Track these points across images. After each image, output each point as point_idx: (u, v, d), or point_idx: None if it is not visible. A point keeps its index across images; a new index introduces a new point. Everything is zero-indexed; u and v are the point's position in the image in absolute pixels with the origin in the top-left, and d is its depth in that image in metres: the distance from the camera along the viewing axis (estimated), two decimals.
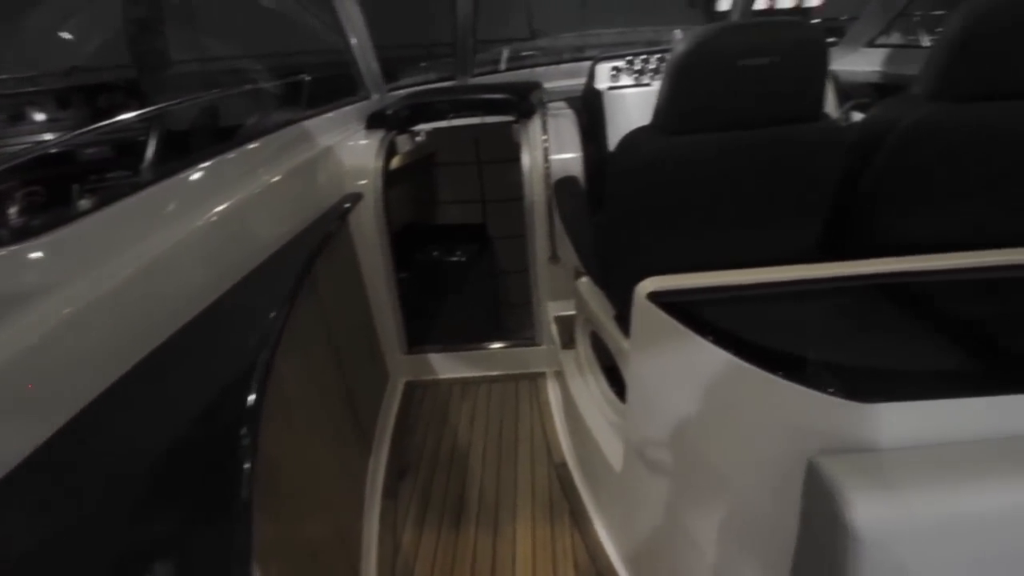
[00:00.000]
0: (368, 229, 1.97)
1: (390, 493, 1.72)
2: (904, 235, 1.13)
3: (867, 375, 0.81)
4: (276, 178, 1.47)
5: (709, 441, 0.97)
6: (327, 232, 1.59)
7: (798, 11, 8.33)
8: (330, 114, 2.10)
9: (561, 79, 2.60)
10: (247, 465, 0.69)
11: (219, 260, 1.15)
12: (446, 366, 2.29)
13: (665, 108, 1.04)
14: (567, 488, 1.69)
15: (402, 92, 2.49)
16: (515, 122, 2.10)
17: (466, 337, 2.32)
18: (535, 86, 2.31)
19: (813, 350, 0.86)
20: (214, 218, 1.18)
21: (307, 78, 2.85)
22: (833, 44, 2.46)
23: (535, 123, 2.06)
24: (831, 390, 0.74)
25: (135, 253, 0.97)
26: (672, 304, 0.99)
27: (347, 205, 1.84)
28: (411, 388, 2.23)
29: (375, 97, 2.38)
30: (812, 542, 0.74)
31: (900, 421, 0.72)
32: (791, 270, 1.02)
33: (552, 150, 1.98)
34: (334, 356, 1.55)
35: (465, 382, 2.25)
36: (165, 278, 1.00)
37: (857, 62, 2.25)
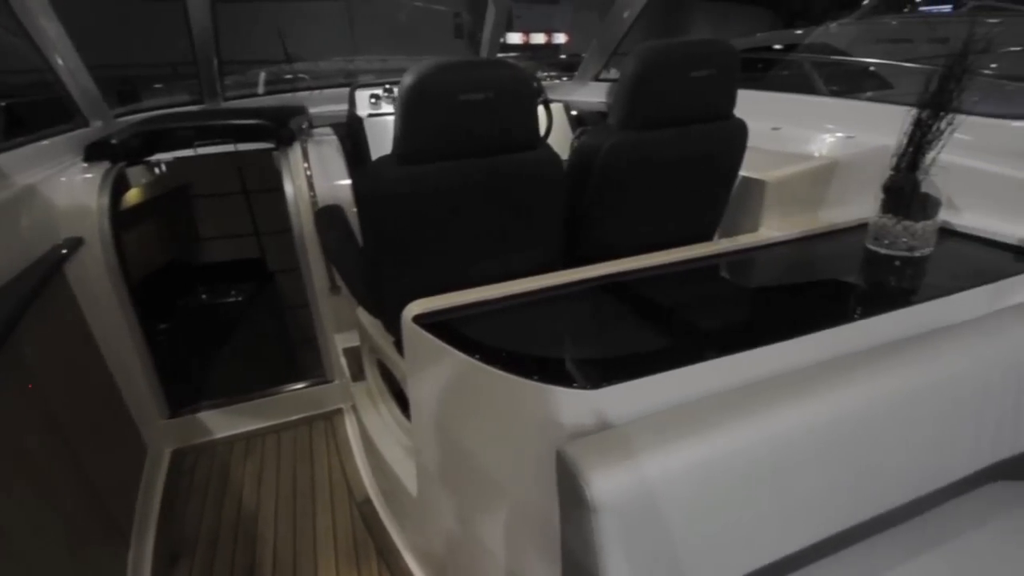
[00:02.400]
0: (97, 279, 1.66)
1: None
2: (622, 240, 1.35)
3: (597, 365, 0.93)
4: None
5: (481, 448, 1.02)
6: (33, 288, 1.30)
7: (549, 47, 9.47)
8: (39, 144, 1.73)
9: (327, 104, 2.52)
10: None
11: None
12: (224, 423, 2.03)
13: (400, 139, 1.09)
14: (372, 525, 1.62)
15: (137, 118, 2.16)
16: (275, 149, 1.98)
17: (248, 386, 2.09)
18: (298, 111, 2.20)
19: (552, 349, 0.97)
20: None
21: (2, 103, 2.32)
22: (571, 78, 2.82)
23: (296, 150, 1.97)
24: (568, 383, 0.83)
25: None
26: (435, 324, 1.02)
27: (63, 252, 1.53)
28: (179, 457, 1.93)
29: (96, 124, 2.02)
30: (570, 523, 0.83)
31: (625, 399, 0.84)
32: (533, 281, 1.14)
33: (317, 178, 1.91)
34: (57, 440, 1.26)
35: (249, 437, 2.02)
36: None
37: (587, 94, 2.63)
